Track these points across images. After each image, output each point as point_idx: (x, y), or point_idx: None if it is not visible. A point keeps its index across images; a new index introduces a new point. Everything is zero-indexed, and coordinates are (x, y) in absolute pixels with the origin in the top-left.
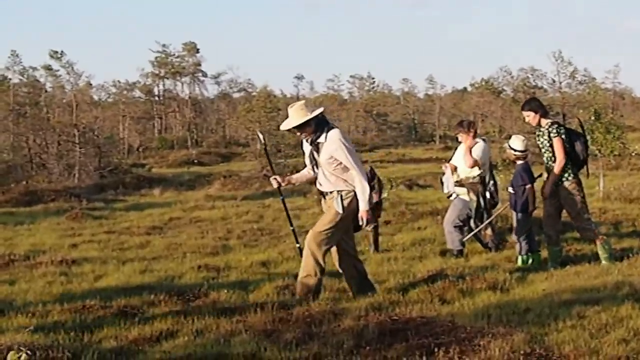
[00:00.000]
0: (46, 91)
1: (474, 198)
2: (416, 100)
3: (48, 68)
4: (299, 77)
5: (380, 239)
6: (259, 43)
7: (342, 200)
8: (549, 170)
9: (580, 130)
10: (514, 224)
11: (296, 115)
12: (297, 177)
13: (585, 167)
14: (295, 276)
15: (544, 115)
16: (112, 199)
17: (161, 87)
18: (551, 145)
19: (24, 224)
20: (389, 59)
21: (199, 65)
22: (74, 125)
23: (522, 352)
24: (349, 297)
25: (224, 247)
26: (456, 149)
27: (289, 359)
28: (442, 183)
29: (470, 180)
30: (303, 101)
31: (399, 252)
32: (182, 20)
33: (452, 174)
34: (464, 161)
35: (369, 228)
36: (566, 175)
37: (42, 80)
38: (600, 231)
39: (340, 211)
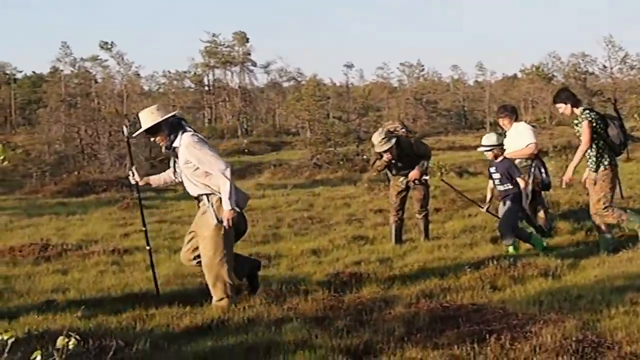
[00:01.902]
0: (96, 82)
1: (530, 181)
2: (466, 88)
3: (98, 59)
4: (349, 66)
5: (430, 226)
6: (308, 31)
7: (213, 208)
8: (588, 159)
9: (615, 114)
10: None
11: (146, 120)
12: (154, 179)
13: (624, 151)
14: (347, 265)
15: (576, 104)
16: (163, 188)
17: (211, 76)
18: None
19: (76, 214)
20: (438, 46)
21: (249, 54)
22: (125, 116)
23: (574, 338)
24: (400, 284)
25: (274, 235)
26: (505, 135)
27: (340, 346)
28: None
29: (524, 164)
30: (155, 105)
31: (450, 240)
32: (232, 9)
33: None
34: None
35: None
36: (602, 161)
37: (92, 71)
38: (606, 226)
39: (215, 222)
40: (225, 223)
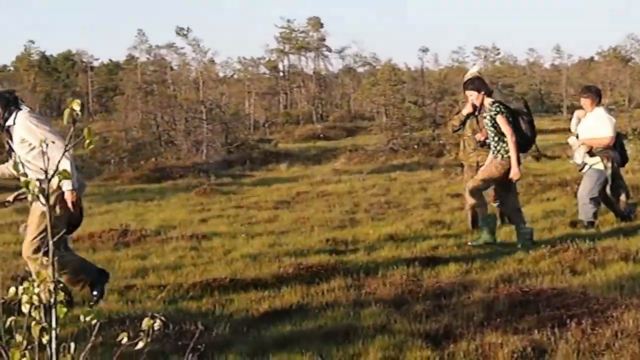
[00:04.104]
0: (172, 69)
1: (609, 165)
2: (542, 71)
3: (173, 46)
4: (424, 50)
5: None
6: (383, 16)
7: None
8: (494, 151)
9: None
10: None
11: None
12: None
13: (534, 146)
14: (424, 249)
15: (488, 94)
16: (239, 174)
17: (286, 62)
18: (493, 125)
19: (154, 200)
20: (514, 28)
21: (323, 40)
22: (201, 102)
23: None
24: (478, 268)
25: (351, 220)
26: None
27: (419, 331)
28: (571, 157)
29: (601, 148)
30: None
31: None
32: None
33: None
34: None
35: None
36: (502, 152)
37: (167, 58)
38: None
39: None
40: (69, 204)
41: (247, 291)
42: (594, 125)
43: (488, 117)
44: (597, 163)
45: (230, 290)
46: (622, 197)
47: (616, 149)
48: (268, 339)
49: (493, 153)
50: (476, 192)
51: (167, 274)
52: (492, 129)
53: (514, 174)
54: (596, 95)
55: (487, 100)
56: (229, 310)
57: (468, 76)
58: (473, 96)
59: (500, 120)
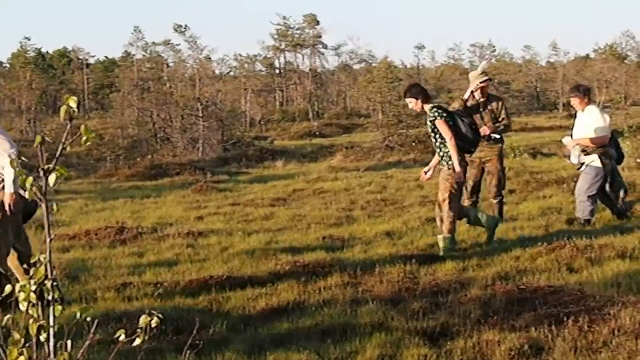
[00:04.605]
0: (168, 66)
1: (607, 162)
2: (538, 68)
3: (169, 43)
4: (420, 47)
5: (505, 207)
6: (378, 12)
7: None
8: (441, 155)
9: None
10: None
11: None
12: None
13: (475, 150)
14: (421, 247)
15: (426, 100)
16: (235, 171)
17: (282, 59)
18: (433, 131)
19: (151, 197)
20: (510, 25)
21: (319, 37)
22: (197, 99)
23: None
24: (475, 266)
25: (347, 217)
26: (575, 116)
27: (416, 329)
28: (567, 157)
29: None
30: None
31: (525, 221)
32: None
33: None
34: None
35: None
36: (445, 159)
37: (163, 55)
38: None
39: None
40: (6, 207)
41: (243, 288)
42: (587, 124)
43: (429, 123)
44: (595, 160)
45: (227, 287)
46: (621, 194)
47: (612, 147)
48: (265, 336)
49: (441, 163)
50: (452, 205)
51: (163, 271)
52: (433, 134)
53: (456, 174)
54: (584, 94)
55: (426, 107)
56: (226, 307)
57: (476, 73)
58: (412, 103)
59: (439, 124)
